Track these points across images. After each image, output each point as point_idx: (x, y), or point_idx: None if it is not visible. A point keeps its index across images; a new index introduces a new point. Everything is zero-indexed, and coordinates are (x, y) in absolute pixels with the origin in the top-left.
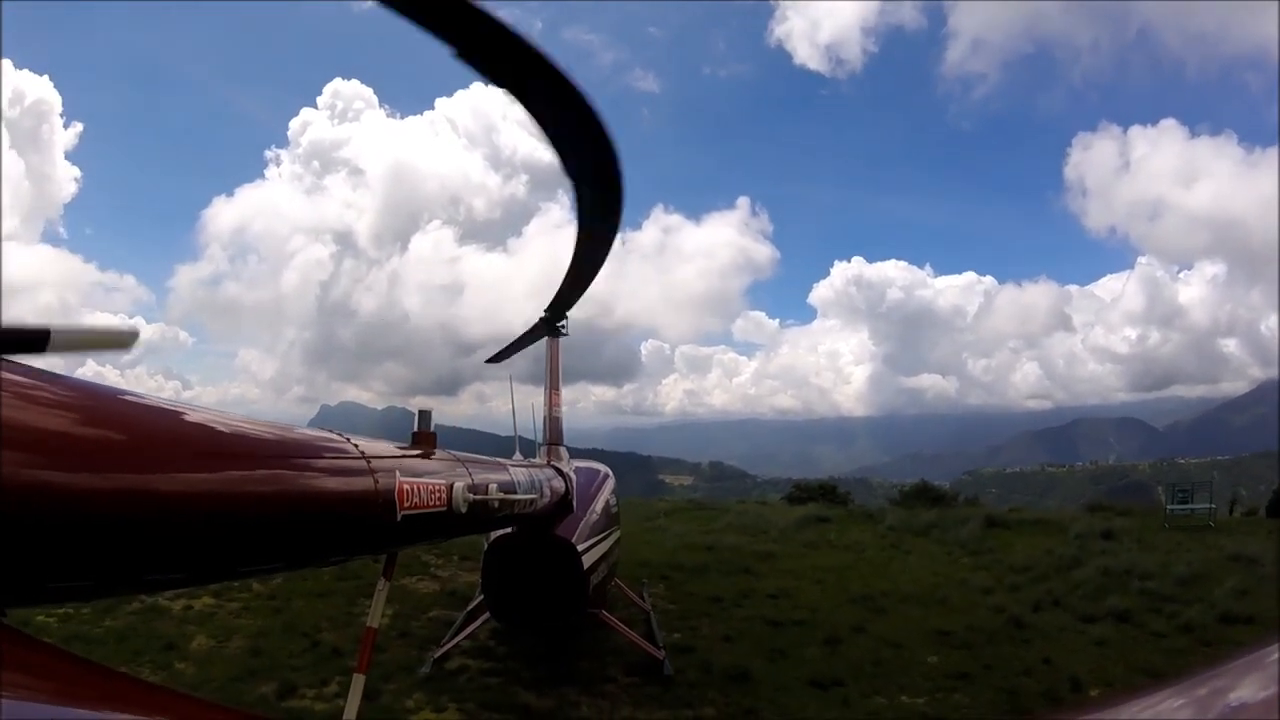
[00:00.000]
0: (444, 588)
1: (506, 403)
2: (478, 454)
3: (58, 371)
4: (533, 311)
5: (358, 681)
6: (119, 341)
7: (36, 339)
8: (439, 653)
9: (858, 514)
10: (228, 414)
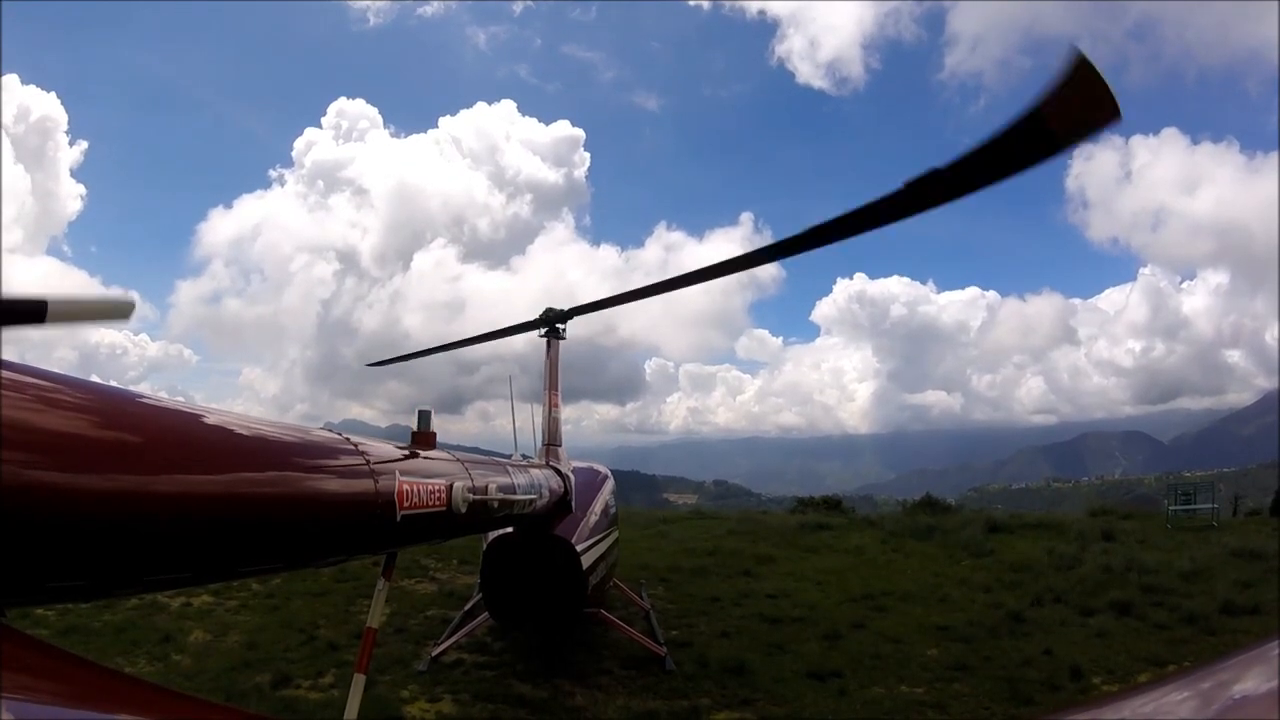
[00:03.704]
0: (442, 589)
1: (510, 421)
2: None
3: (60, 372)
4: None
5: (358, 682)
6: (117, 312)
7: (34, 310)
8: (436, 651)
9: (858, 520)
10: (227, 412)
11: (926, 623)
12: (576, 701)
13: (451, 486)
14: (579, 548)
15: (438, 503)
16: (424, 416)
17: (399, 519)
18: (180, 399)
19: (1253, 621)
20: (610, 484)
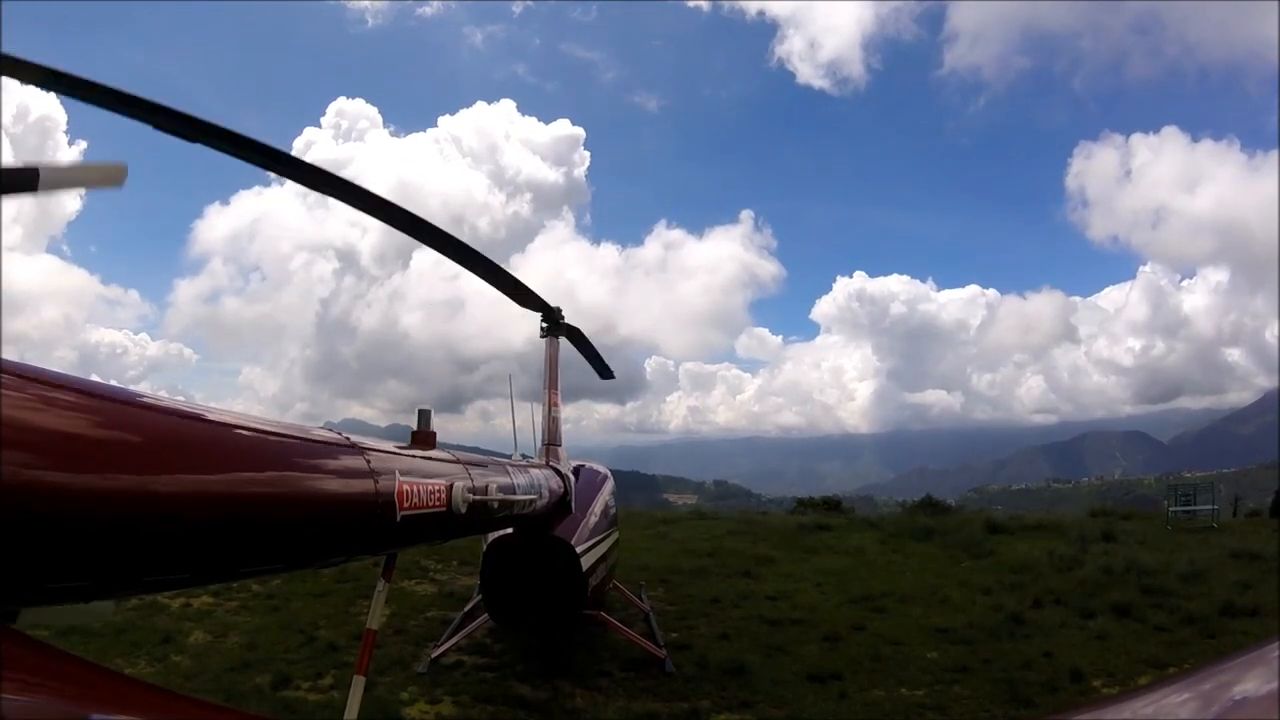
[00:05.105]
0: (442, 590)
1: (510, 420)
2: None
3: (59, 371)
4: (534, 326)
5: (358, 683)
6: (108, 178)
7: (26, 178)
8: (436, 652)
9: (858, 521)
10: (227, 412)
11: (926, 624)
12: (576, 703)
13: (451, 487)
14: (579, 549)
15: (438, 503)
16: (424, 416)
17: (399, 519)
18: (180, 399)
19: (1252, 623)
20: (610, 484)
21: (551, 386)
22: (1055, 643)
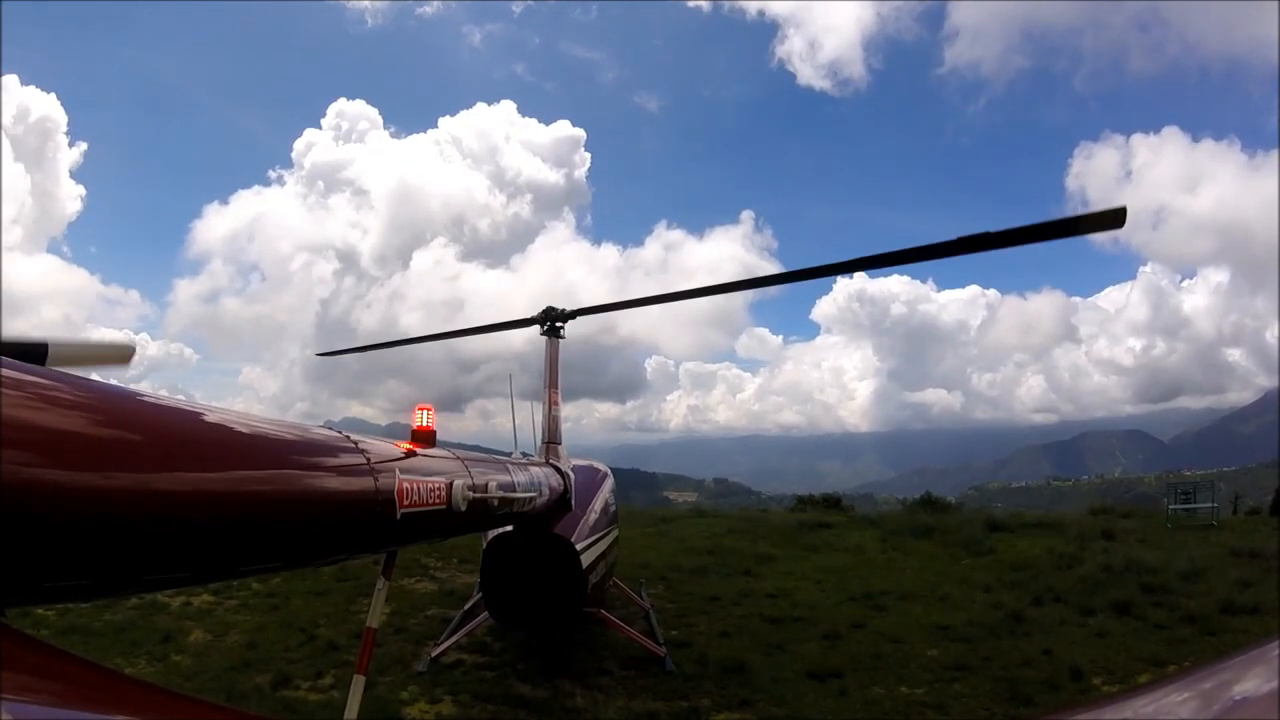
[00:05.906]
0: (442, 588)
1: (510, 419)
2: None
3: (60, 371)
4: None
5: (358, 683)
6: (117, 356)
7: (35, 352)
8: (436, 651)
9: (858, 519)
10: (227, 411)
11: (926, 622)
12: (576, 702)
13: (451, 485)
14: (579, 546)
15: (438, 501)
16: (424, 415)
17: (399, 517)
18: (180, 398)
19: (1253, 621)
20: (610, 482)
21: (551, 385)
22: (1055, 640)
